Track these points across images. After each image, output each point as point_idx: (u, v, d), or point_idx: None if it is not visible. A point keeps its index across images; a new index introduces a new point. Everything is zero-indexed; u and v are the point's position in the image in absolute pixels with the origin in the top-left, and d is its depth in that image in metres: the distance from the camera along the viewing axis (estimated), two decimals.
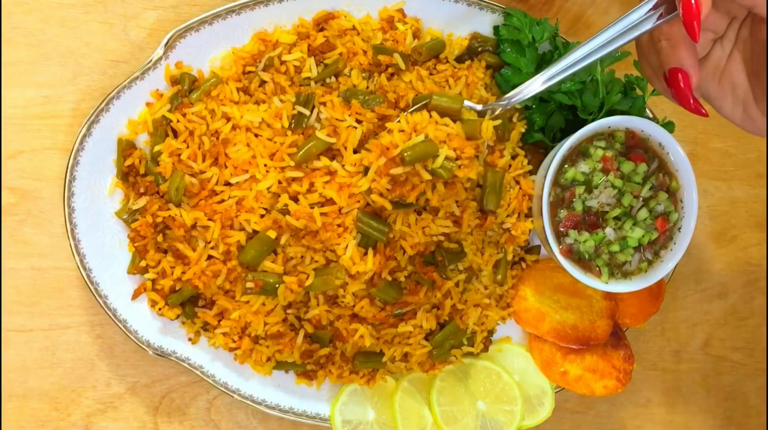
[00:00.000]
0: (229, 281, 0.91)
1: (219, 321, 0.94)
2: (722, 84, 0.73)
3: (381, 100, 0.93)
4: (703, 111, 0.73)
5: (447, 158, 0.84)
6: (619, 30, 0.75)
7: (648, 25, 0.71)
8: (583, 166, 0.93)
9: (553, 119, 1.01)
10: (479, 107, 0.93)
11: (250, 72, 0.95)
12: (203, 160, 0.92)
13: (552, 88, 0.89)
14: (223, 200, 0.91)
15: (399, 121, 0.88)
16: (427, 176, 0.84)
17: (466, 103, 0.92)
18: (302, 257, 0.91)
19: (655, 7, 0.71)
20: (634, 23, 0.73)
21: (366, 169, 0.87)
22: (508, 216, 0.99)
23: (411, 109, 0.92)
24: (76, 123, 0.98)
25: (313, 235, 0.89)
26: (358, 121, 0.92)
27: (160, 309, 0.94)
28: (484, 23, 1.01)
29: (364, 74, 0.96)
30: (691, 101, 0.71)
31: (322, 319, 0.93)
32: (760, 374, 1.19)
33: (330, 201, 0.89)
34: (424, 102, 0.91)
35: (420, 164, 0.84)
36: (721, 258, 1.17)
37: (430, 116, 0.88)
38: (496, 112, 0.92)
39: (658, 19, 0.71)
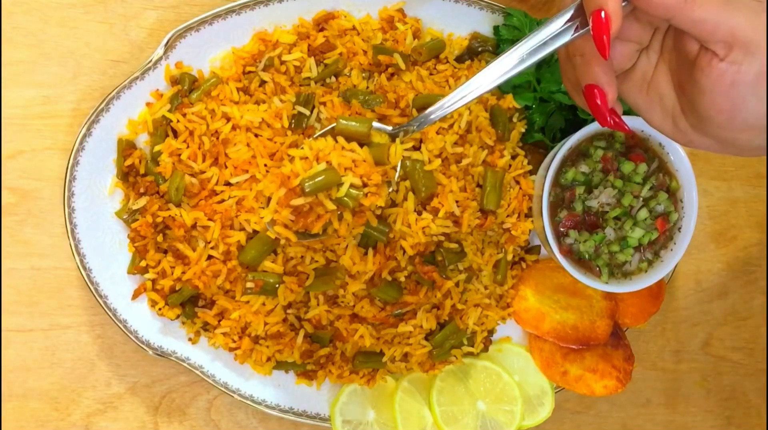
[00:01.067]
0: (229, 281, 0.91)
1: (219, 321, 0.94)
2: (650, 95, 0.69)
3: (381, 100, 0.93)
4: (626, 127, 0.69)
5: (353, 186, 0.80)
6: (536, 43, 0.68)
7: (565, 38, 0.66)
8: (583, 167, 0.93)
9: (553, 119, 1.01)
10: (389, 129, 0.86)
11: (250, 72, 0.95)
12: (203, 160, 0.92)
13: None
14: (223, 200, 0.91)
15: (302, 148, 0.83)
16: (331, 206, 0.80)
17: (375, 125, 0.86)
18: (302, 257, 0.91)
19: (571, 20, 0.66)
20: (551, 36, 0.67)
21: (268, 200, 0.83)
22: (508, 216, 0.99)
23: (316, 135, 0.87)
24: (76, 123, 0.98)
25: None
26: None
27: (160, 309, 0.94)
28: (484, 23, 1.01)
29: (364, 74, 0.96)
30: (608, 119, 0.68)
31: (322, 319, 0.93)
32: (761, 374, 1.19)
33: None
34: (330, 126, 0.86)
35: (323, 194, 0.80)
36: (721, 258, 1.17)
37: (336, 142, 0.83)
38: (409, 134, 0.85)
39: (573, 32, 0.66)
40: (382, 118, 0.92)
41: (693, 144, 0.68)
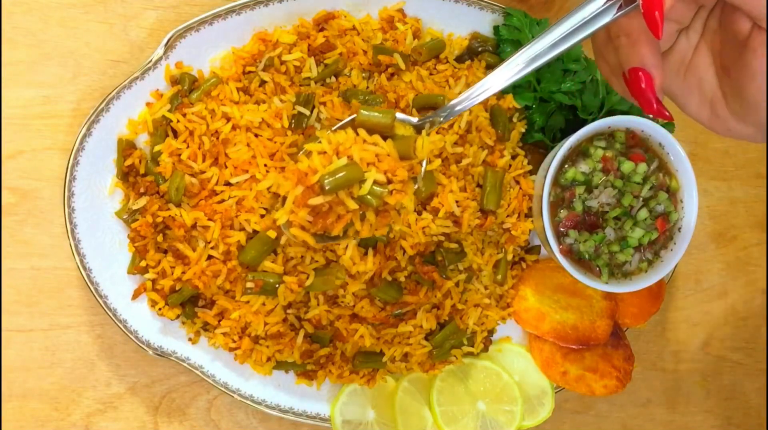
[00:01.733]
0: (229, 281, 0.91)
1: (219, 321, 0.94)
2: (687, 80, 0.65)
3: (381, 100, 0.93)
4: (667, 114, 0.65)
5: (376, 183, 0.74)
6: (571, 26, 0.64)
7: (605, 19, 0.62)
8: (583, 166, 0.93)
9: (553, 119, 1.01)
10: (415, 121, 0.80)
11: (250, 72, 0.95)
12: (203, 160, 0.92)
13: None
14: (223, 200, 0.91)
15: (320, 141, 0.76)
16: (353, 205, 0.74)
17: (399, 115, 0.79)
18: (302, 257, 0.91)
19: None
20: (589, 17, 0.63)
21: (283, 200, 0.76)
22: (508, 216, 0.99)
23: (335, 127, 0.81)
24: (76, 123, 0.98)
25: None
26: None
27: (160, 309, 0.94)
28: (484, 23, 1.01)
29: (364, 74, 0.96)
30: (654, 105, 0.63)
31: (322, 319, 0.93)
32: (760, 374, 1.18)
33: None
34: (350, 118, 0.80)
35: (344, 192, 0.73)
36: (721, 258, 1.17)
37: (357, 134, 0.77)
38: (436, 126, 0.80)
39: (617, 11, 0.61)
40: None
41: (731, 133, 0.64)
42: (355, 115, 0.79)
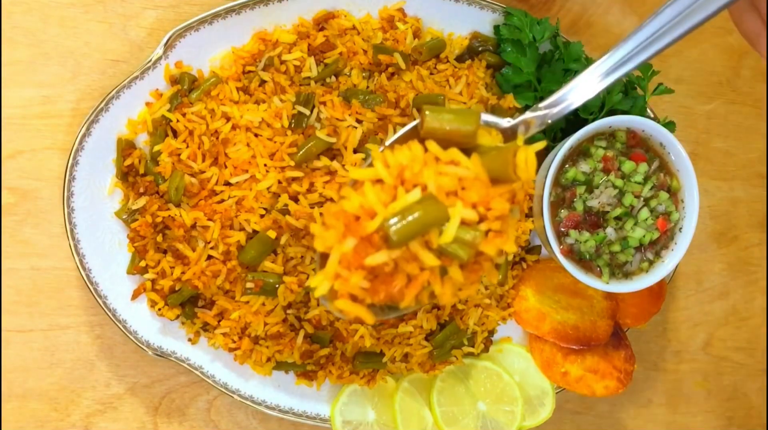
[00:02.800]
0: (229, 281, 0.91)
1: (219, 321, 0.94)
2: None
3: (381, 99, 0.93)
4: None
5: (464, 224, 0.51)
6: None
7: None
8: (584, 166, 0.93)
9: None
10: (505, 123, 0.58)
11: (250, 72, 0.95)
12: (203, 160, 0.92)
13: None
14: (223, 200, 0.91)
15: (370, 163, 0.54)
16: (432, 261, 0.51)
17: (486, 117, 0.58)
18: (302, 257, 0.90)
19: None
20: None
21: (322, 258, 0.54)
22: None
23: (389, 140, 0.60)
24: (75, 123, 0.98)
25: (313, 235, 0.87)
26: (359, 121, 0.92)
27: (159, 309, 0.94)
28: (485, 23, 1.01)
29: (364, 74, 0.96)
30: None
31: (322, 319, 0.93)
32: (761, 375, 1.18)
33: (330, 201, 0.88)
34: (412, 124, 0.59)
35: (419, 241, 0.51)
36: (722, 258, 1.16)
37: (426, 150, 0.54)
38: (535, 129, 0.59)
39: None
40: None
41: None
42: (416, 121, 0.57)
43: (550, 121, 0.58)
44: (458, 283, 0.53)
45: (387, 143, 0.59)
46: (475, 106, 0.66)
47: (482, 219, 0.52)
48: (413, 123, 0.58)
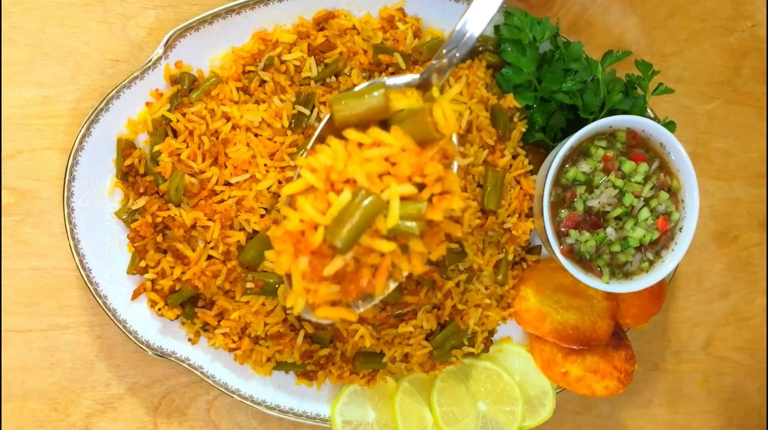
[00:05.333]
0: (229, 281, 0.91)
1: (219, 321, 0.94)
2: None
3: None
4: None
5: (405, 200, 0.50)
6: None
7: None
8: (584, 166, 0.93)
9: (554, 119, 1.00)
10: (416, 78, 0.56)
11: (250, 71, 0.95)
12: (203, 160, 0.92)
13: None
14: (222, 200, 0.91)
15: (298, 174, 0.53)
16: (388, 247, 0.51)
17: (390, 81, 0.57)
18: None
19: None
20: None
21: (288, 279, 0.53)
22: (509, 216, 0.99)
23: (309, 145, 0.57)
24: (75, 123, 0.98)
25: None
26: None
27: (159, 309, 0.93)
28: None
29: (364, 74, 0.96)
30: None
31: None
32: (762, 375, 1.18)
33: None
34: (322, 123, 0.56)
35: (368, 235, 0.50)
36: (722, 258, 1.16)
37: (346, 141, 0.54)
38: (447, 73, 0.56)
39: None
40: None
41: None
42: (327, 116, 0.57)
43: (459, 55, 0.56)
44: (423, 253, 0.53)
45: (308, 147, 0.58)
46: (383, 83, 0.63)
47: (422, 187, 0.51)
48: (325, 119, 0.57)
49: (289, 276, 0.53)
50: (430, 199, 0.51)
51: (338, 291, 0.51)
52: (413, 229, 0.50)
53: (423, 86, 0.58)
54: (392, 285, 0.59)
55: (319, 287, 0.51)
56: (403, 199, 0.50)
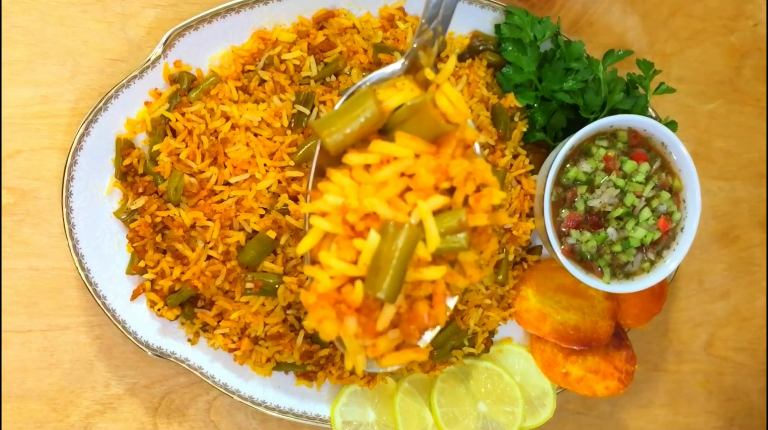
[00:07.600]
0: (229, 281, 0.91)
1: (218, 322, 0.94)
2: None
3: None
4: None
5: (438, 215, 0.46)
6: None
7: None
8: (585, 166, 0.92)
9: (554, 118, 1.00)
10: (401, 63, 0.50)
11: (249, 71, 0.95)
12: (202, 160, 0.91)
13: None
14: (222, 200, 0.90)
15: (309, 224, 0.48)
16: (436, 274, 0.47)
17: (376, 75, 0.51)
18: (302, 257, 0.90)
19: None
20: None
21: (341, 344, 0.49)
22: (509, 216, 0.99)
23: (309, 182, 0.54)
24: (74, 122, 0.98)
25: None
26: None
27: (159, 310, 0.93)
28: (486, 21, 1.01)
29: (364, 73, 0.96)
30: None
31: None
32: (763, 375, 1.18)
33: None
34: (316, 153, 0.50)
35: (411, 268, 0.46)
36: (723, 258, 1.16)
37: (350, 170, 0.49)
38: (433, 47, 0.51)
39: None
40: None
41: None
42: (313, 144, 0.50)
43: (443, 25, 0.50)
44: (475, 259, 0.49)
45: (310, 189, 0.53)
46: (368, 87, 0.56)
47: (451, 190, 0.45)
48: (317, 150, 0.50)
49: (340, 341, 0.48)
50: (466, 202, 0.46)
51: (398, 335, 0.47)
52: (460, 242, 0.45)
53: (411, 70, 0.53)
54: (452, 302, 0.55)
55: (377, 341, 0.47)
56: (437, 212, 0.45)
